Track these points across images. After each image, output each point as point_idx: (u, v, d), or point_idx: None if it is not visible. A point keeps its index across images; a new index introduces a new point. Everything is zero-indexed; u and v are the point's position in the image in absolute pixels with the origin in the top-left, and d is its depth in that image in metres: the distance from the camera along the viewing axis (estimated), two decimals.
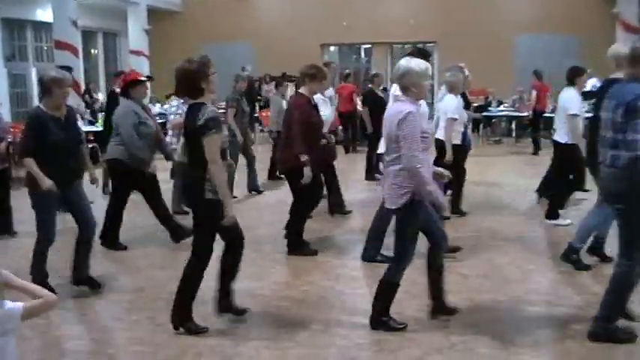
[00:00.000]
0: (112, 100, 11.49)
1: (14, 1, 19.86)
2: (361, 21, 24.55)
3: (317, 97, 7.95)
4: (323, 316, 5.66)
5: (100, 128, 15.70)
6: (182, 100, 9.12)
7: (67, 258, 6.46)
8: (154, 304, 5.98)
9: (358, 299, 6.11)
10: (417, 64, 4.98)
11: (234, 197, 10.76)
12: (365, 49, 27.37)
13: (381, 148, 6.73)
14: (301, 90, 7.41)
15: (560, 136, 8.38)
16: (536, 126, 16.89)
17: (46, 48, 22.15)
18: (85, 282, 6.39)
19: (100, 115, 16.89)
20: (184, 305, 5.23)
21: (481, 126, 20.03)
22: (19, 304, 3.09)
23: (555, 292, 6.26)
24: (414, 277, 6.62)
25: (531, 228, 8.60)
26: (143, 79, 8.10)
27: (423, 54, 6.82)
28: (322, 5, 24.75)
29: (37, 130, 5.90)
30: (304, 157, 7.04)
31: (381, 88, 17.07)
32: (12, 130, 14.79)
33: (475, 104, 20.05)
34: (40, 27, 21.76)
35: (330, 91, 9.78)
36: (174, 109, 9.67)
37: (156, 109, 19.05)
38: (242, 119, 10.65)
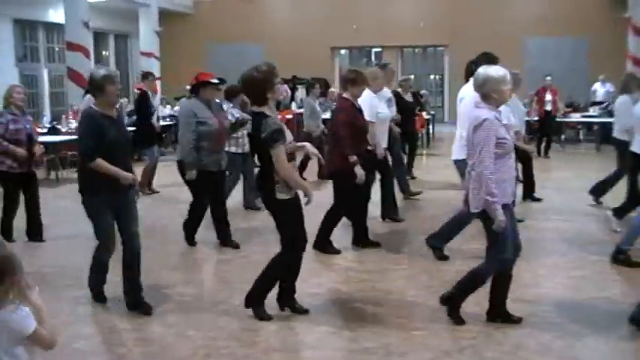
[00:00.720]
0: (144, 100, 11.78)
1: (26, 2, 19.94)
2: (371, 24, 24.62)
3: (372, 98, 8.26)
4: (332, 320, 5.66)
5: None
6: (232, 104, 9.33)
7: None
8: (164, 304, 6.00)
9: (366, 302, 6.11)
10: (495, 70, 5.07)
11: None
12: (375, 52, 27.36)
13: (455, 154, 7.08)
14: (345, 94, 7.48)
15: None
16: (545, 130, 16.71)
17: (57, 49, 22.25)
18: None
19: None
20: (262, 290, 5.56)
21: None
22: (33, 323, 2.94)
23: (565, 296, 6.24)
24: (424, 280, 6.65)
25: (541, 234, 8.55)
26: (215, 81, 7.84)
27: (491, 59, 6.77)
28: (332, 8, 24.82)
29: (94, 130, 5.58)
30: (353, 158, 7.13)
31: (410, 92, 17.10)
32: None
33: None
34: (52, 28, 21.86)
35: (388, 93, 9.71)
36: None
37: (167, 110, 19.16)
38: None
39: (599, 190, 9.95)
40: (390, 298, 6.21)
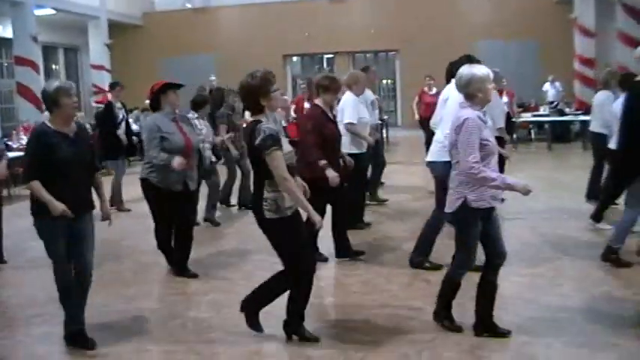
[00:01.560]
0: (109, 110, 11.42)
1: None
2: (323, 31, 24.74)
3: (355, 101, 8.28)
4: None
5: None
6: (197, 115, 9.07)
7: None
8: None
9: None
10: (478, 69, 4.97)
11: (232, 205, 10.94)
12: (327, 58, 27.47)
13: (430, 156, 6.83)
14: (317, 101, 7.23)
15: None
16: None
17: (6, 64, 21.94)
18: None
19: None
20: (259, 301, 5.28)
21: None
22: None
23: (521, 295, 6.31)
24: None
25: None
26: (173, 83, 7.19)
27: (473, 61, 6.59)
28: (284, 16, 24.88)
29: (38, 149, 5.12)
30: (322, 162, 6.88)
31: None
32: None
33: None
34: (0, 43, 21.54)
35: (371, 96, 9.73)
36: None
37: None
38: (235, 133, 10.26)
39: (593, 192, 9.66)
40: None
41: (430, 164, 6.86)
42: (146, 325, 5.84)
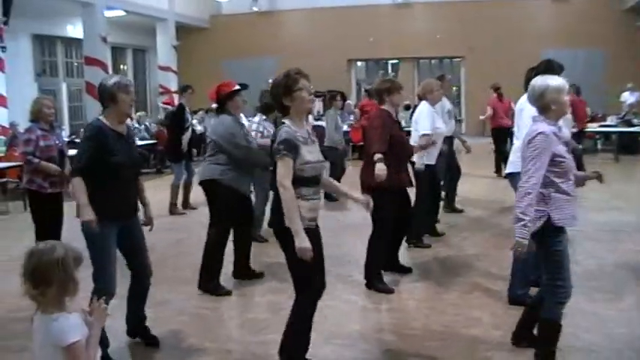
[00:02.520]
0: (180, 113, 11.35)
1: (45, 17, 20.13)
2: (387, 36, 24.67)
3: (429, 111, 8.21)
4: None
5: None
6: (264, 117, 8.94)
7: None
8: (177, 317, 6.01)
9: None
10: (552, 79, 4.63)
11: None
12: (392, 64, 27.38)
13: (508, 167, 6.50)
14: (384, 106, 6.92)
15: None
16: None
17: (76, 64, 22.44)
18: (140, 333, 5.49)
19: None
20: (293, 343, 4.74)
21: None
22: (75, 337, 2.86)
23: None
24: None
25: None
26: (238, 88, 7.10)
27: (552, 67, 6.24)
28: (349, 21, 24.88)
29: (98, 148, 4.88)
30: (378, 156, 6.54)
31: (404, 104, 17.07)
32: None
33: None
34: (71, 43, 22.07)
35: (448, 105, 9.58)
36: (256, 125, 8.88)
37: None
38: None
39: None
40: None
41: (509, 176, 6.42)
42: (204, 323, 5.91)
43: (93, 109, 17.83)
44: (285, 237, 4.43)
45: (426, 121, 8.13)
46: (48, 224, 7.22)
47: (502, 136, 14.29)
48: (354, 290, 6.77)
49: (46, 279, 2.84)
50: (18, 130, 15.48)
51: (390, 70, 27.46)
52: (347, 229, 9.37)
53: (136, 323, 5.39)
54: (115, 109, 4.93)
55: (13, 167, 12.19)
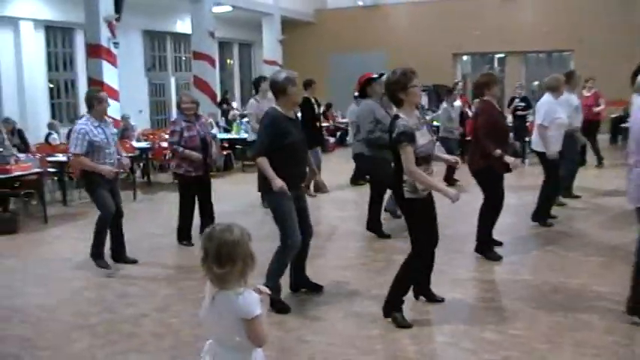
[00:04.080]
0: (308, 105, 11.65)
1: (156, 13, 20.69)
2: (493, 29, 24.17)
3: (550, 102, 8.90)
4: (453, 330, 5.55)
5: (236, 135, 16.23)
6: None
7: None
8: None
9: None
10: None
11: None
12: (498, 58, 26.82)
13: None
14: (485, 97, 7.53)
15: None
16: None
17: (184, 58, 22.96)
18: (305, 285, 6.57)
19: (235, 124, 17.33)
20: (396, 296, 5.62)
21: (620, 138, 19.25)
22: (259, 309, 3.04)
23: None
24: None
25: None
26: (375, 76, 8.80)
27: None
28: (454, 14, 24.52)
29: (276, 132, 5.91)
30: (498, 152, 7.21)
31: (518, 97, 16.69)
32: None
33: (614, 115, 19.32)
34: (180, 38, 22.62)
35: (576, 100, 10.25)
36: None
37: None
38: None
39: None
40: (515, 308, 6.04)
41: None
42: (311, 313, 5.95)
43: (200, 102, 18.14)
44: (405, 206, 5.52)
45: (544, 113, 8.87)
46: (193, 204, 8.74)
47: (593, 128, 14.44)
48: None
49: (231, 257, 3.02)
50: (129, 122, 15.98)
51: (496, 64, 26.95)
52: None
53: (299, 276, 6.48)
54: (286, 99, 6.00)
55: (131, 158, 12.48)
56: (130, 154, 11.80)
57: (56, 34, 18.59)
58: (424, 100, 21.06)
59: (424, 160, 5.38)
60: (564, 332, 5.40)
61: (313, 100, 11.94)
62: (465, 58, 27.01)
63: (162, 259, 8.13)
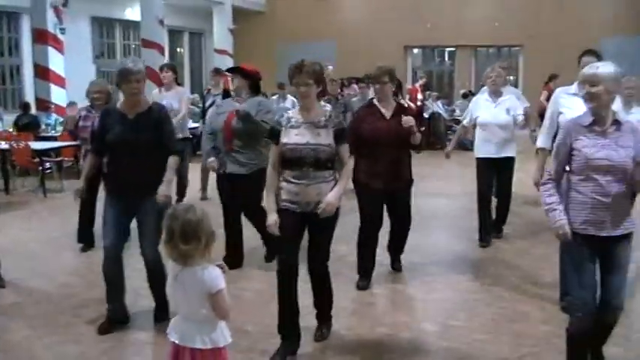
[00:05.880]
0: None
1: (104, 0, 20.39)
2: (445, 23, 24.27)
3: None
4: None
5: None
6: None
7: None
8: None
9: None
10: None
11: None
12: (449, 51, 27.00)
13: None
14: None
15: None
16: None
17: (133, 46, 22.67)
18: None
19: None
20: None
21: None
22: (223, 284, 3.25)
23: None
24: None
25: None
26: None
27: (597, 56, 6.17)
28: (406, 6, 24.52)
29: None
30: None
31: (462, 92, 16.84)
32: None
33: None
34: (129, 25, 22.29)
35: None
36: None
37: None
38: None
39: None
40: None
41: None
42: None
43: (148, 90, 17.91)
44: None
45: None
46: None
47: None
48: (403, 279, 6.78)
49: (197, 234, 3.20)
50: (81, 110, 15.73)
51: (447, 58, 27.15)
52: None
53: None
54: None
55: (70, 147, 12.32)
56: (73, 143, 11.66)
57: (1, 18, 18.18)
58: (372, 93, 21.06)
59: (292, 163, 4.76)
60: (503, 323, 5.48)
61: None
62: (415, 51, 27.13)
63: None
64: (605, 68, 4.04)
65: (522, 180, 9.05)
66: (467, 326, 5.44)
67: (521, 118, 7.78)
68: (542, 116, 12.83)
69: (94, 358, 4.94)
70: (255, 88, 7.06)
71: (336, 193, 4.74)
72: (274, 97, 16.33)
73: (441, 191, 11.38)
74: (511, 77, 25.46)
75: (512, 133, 7.94)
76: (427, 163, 12.49)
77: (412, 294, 6.39)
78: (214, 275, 3.24)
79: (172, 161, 5.39)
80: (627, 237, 4.11)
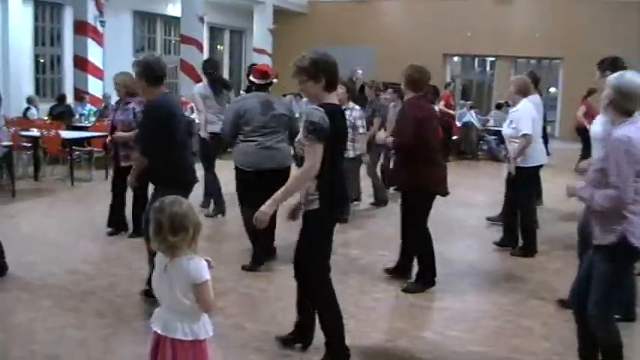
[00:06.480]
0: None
1: None
2: (486, 32, 24.11)
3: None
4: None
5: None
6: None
7: None
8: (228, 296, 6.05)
9: None
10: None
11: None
12: (490, 61, 26.81)
13: None
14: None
15: None
16: None
17: (173, 42, 22.92)
18: None
19: None
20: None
21: None
22: (207, 275, 3.32)
23: None
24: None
25: None
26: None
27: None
28: (447, 14, 24.43)
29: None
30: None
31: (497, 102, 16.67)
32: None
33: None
34: (170, 21, 22.55)
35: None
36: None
37: None
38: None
39: None
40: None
41: None
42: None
43: (186, 86, 18.12)
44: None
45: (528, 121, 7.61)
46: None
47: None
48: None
49: (184, 225, 3.28)
50: (110, 101, 15.97)
51: (488, 68, 26.96)
52: None
53: None
54: None
55: (100, 137, 12.49)
56: (105, 133, 11.81)
57: (45, 9, 18.49)
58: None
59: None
60: (505, 337, 5.45)
61: None
62: (455, 59, 27.02)
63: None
64: None
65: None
66: (466, 337, 5.41)
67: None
68: (578, 131, 12.64)
69: (93, 344, 5.03)
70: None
71: (270, 201, 4.48)
72: (290, 97, 16.23)
73: (465, 201, 11.24)
74: (552, 89, 25.39)
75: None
76: (456, 173, 12.30)
77: (415, 301, 6.36)
78: (200, 266, 3.31)
79: None
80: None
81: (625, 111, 4.12)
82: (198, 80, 19.38)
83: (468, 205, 10.77)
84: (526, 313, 6.04)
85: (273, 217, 6.83)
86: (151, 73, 5.71)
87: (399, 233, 6.83)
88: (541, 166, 7.96)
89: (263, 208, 4.45)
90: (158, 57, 5.97)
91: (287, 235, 6.74)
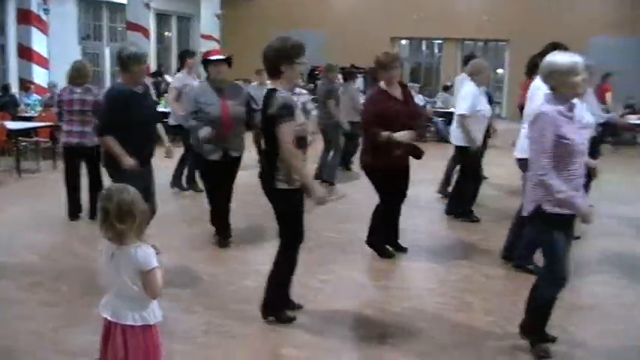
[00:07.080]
0: None
1: None
2: (433, 15, 24.31)
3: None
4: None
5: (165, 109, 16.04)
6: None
7: None
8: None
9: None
10: (561, 57, 4.37)
11: None
12: (438, 44, 27.03)
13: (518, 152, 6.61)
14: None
15: None
16: None
17: (120, 29, 22.66)
18: None
19: (165, 97, 17.16)
20: (275, 297, 5.17)
21: None
22: (155, 262, 3.35)
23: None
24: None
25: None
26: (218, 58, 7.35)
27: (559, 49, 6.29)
28: None
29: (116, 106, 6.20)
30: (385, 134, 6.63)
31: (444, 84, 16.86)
32: None
33: None
34: (115, 8, 22.27)
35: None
36: None
37: None
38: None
39: None
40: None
41: (520, 161, 6.42)
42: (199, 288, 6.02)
43: None
44: (275, 197, 4.95)
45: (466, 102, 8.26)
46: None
47: None
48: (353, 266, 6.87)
49: (131, 213, 3.30)
50: (55, 90, 15.75)
51: (437, 50, 27.17)
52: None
53: None
54: (129, 75, 6.25)
55: (46, 127, 12.34)
56: (51, 123, 11.73)
57: None
58: (359, 83, 21.08)
59: (300, 143, 4.85)
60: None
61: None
62: (403, 42, 27.17)
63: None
64: None
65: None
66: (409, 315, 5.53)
67: None
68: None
69: (46, 335, 5.00)
70: None
71: (315, 184, 5.19)
72: (254, 84, 16.19)
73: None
74: (499, 70, 25.70)
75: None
76: None
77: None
78: (147, 253, 3.34)
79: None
80: None
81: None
82: (145, 68, 19.30)
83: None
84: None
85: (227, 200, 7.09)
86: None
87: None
88: None
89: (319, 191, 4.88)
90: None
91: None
